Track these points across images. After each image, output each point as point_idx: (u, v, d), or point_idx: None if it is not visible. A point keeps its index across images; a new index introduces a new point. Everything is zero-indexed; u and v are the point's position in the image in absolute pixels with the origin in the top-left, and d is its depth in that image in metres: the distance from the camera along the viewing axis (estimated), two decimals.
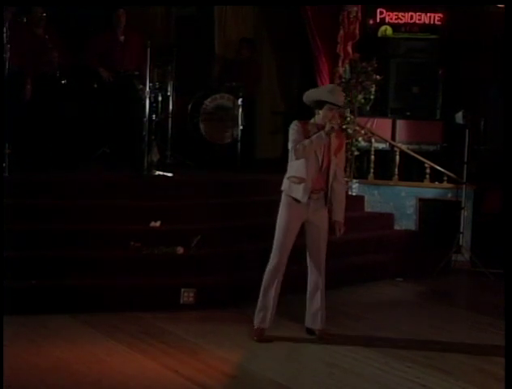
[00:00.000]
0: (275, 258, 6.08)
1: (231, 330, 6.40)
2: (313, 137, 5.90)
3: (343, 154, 6.26)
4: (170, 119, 10.04)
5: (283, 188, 6.11)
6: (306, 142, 5.89)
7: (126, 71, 9.61)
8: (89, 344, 5.91)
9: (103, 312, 6.62)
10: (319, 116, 6.01)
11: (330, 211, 6.17)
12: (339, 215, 6.21)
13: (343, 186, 6.26)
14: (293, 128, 6.01)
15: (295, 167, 6.03)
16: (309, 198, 6.01)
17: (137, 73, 9.52)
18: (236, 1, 10.91)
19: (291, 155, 6.02)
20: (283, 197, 6.10)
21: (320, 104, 6.00)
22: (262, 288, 6.13)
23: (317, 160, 5.98)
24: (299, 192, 5.98)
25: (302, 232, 6.19)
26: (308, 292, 6.28)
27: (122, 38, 9.72)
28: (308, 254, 6.22)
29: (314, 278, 6.22)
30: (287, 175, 6.10)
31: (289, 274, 6.47)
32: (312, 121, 6.08)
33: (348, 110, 9.66)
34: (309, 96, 6.13)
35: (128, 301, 6.89)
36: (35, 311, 6.48)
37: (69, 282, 6.93)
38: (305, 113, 6.27)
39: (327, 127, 5.89)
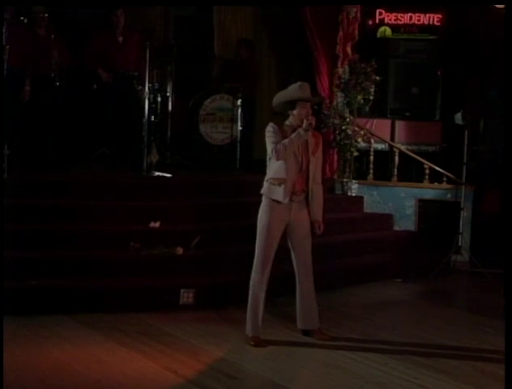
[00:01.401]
0: (260, 265, 6.02)
1: (230, 331, 6.40)
2: (292, 135, 5.88)
3: (321, 154, 6.20)
4: (169, 120, 10.05)
5: (262, 191, 6.07)
6: (286, 141, 5.88)
7: (125, 72, 9.60)
8: (88, 344, 5.91)
9: (102, 313, 6.62)
10: (293, 116, 5.98)
11: (308, 212, 6.13)
12: (318, 215, 6.15)
13: (320, 187, 6.19)
14: (270, 130, 5.98)
15: (274, 169, 5.99)
16: (291, 200, 5.98)
17: (136, 74, 9.52)
18: (236, 1, 10.90)
19: (269, 157, 6.01)
20: (264, 200, 6.05)
21: (292, 103, 5.98)
22: (250, 297, 6.06)
23: (296, 161, 5.96)
24: (279, 193, 5.95)
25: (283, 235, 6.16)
26: (298, 294, 6.23)
27: (121, 39, 9.68)
28: (294, 255, 6.17)
29: (303, 279, 6.19)
30: (266, 178, 6.07)
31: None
32: (287, 122, 6.04)
33: (348, 111, 9.69)
34: (279, 98, 6.09)
35: (127, 301, 6.88)
36: (34, 312, 6.48)
37: (68, 283, 6.92)
38: None
39: (305, 124, 5.87)
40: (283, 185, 5.94)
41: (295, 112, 5.97)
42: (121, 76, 9.59)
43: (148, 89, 9.03)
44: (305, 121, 5.89)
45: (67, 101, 9.29)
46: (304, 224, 6.09)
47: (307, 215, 6.10)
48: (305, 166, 6.00)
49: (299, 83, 6.08)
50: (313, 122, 5.95)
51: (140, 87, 9.22)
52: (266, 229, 6.00)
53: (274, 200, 5.97)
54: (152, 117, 9.48)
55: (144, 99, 8.97)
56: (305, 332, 6.29)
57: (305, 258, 6.15)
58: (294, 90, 6.03)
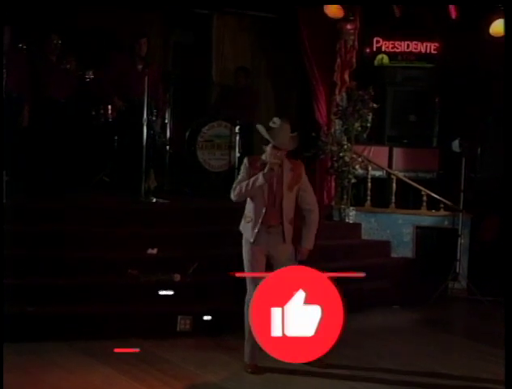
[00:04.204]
0: (251, 293, 5.97)
1: (228, 358, 6.38)
2: (251, 180, 5.84)
3: (306, 182, 6.08)
4: (167, 146, 10.06)
5: (240, 227, 6.10)
6: (244, 184, 5.87)
7: (141, 99, 9.44)
8: (86, 371, 5.89)
9: (99, 339, 6.60)
10: (266, 152, 5.92)
11: (300, 238, 6.09)
12: (306, 243, 6.10)
13: (312, 213, 6.09)
14: (242, 166, 5.98)
15: (248, 206, 6.02)
16: (268, 232, 5.92)
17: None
18: (234, 3, 10.93)
19: None
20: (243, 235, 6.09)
21: (267, 140, 5.90)
22: (246, 324, 6.02)
23: (263, 198, 5.89)
24: (248, 231, 5.98)
25: None
26: None
27: (140, 67, 9.56)
28: None
29: None
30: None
31: None
32: (263, 156, 5.96)
33: (345, 138, 9.72)
34: (259, 129, 5.99)
35: (125, 328, 6.86)
36: (31, 338, 6.47)
37: (66, 309, 6.91)
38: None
39: (267, 168, 5.81)
40: (250, 223, 5.95)
41: (268, 148, 5.90)
42: (137, 104, 9.48)
43: (147, 116, 9.03)
44: (268, 164, 5.81)
45: (69, 127, 9.30)
46: (284, 252, 6.04)
47: (287, 247, 6.04)
48: (278, 201, 5.93)
49: (279, 123, 5.89)
50: (276, 166, 5.83)
51: (155, 113, 9.23)
52: (248, 262, 6.03)
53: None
54: (168, 145, 9.52)
55: (155, 126, 9.06)
56: None
57: None
58: (271, 130, 5.88)
